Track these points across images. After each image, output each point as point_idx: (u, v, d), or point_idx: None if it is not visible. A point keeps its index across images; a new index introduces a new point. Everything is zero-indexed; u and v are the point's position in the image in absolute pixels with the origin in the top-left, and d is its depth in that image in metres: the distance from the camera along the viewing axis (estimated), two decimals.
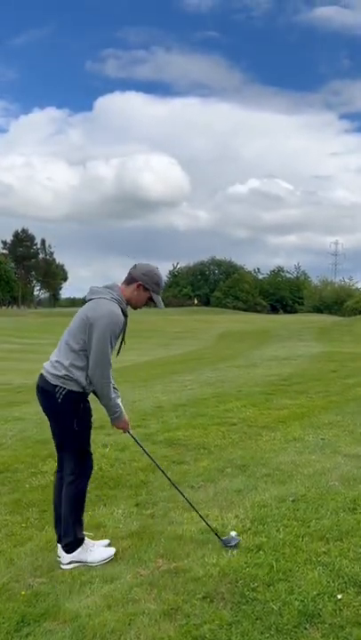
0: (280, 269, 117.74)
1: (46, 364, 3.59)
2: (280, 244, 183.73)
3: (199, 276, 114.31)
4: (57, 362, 3.50)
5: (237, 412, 7.78)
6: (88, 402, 3.61)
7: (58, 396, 3.46)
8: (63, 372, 3.45)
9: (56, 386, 3.46)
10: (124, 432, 3.73)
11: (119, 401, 3.61)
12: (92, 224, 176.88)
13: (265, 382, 10.71)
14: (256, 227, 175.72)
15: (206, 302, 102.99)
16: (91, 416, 3.63)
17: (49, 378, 3.50)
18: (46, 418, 3.69)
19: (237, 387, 10.23)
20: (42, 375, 3.58)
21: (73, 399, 3.47)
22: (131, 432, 3.77)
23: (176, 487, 4.05)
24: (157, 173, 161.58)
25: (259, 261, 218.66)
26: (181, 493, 4.02)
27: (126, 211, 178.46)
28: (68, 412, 3.49)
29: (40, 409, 3.70)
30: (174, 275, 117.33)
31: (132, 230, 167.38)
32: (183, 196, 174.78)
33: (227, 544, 3.53)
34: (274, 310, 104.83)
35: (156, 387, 10.94)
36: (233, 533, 3.66)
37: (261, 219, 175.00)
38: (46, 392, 3.52)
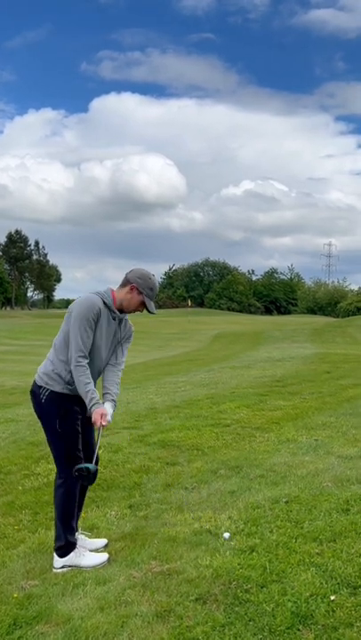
0: (274, 271, 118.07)
1: (40, 365, 3.63)
2: (275, 246, 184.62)
3: (193, 278, 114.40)
4: (47, 359, 3.56)
5: (231, 413, 7.77)
6: (76, 405, 3.51)
7: (42, 397, 3.49)
8: (50, 368, 3.48)
9: (41, 387, 3.50)
10: (96, 427, 3.51)
11: (111, 398, 3.56)
12: (88, 226, 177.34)
13: (259, 383, 10.72)
14: (251, 228, 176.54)
15: (200, 303, 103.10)
16: (77, 420, 3.53)
17: (37, 379, 3.55)
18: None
19: (231, 388, 10.23)
20: (34, 378, 3.62)
21: (55, 400, 3.47)
22: (100, 429, 3.48)
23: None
24: (153, 175, 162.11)
25: (253, 263, 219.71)
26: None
27: (121, 212, 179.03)
28: (51, 413, 3.49)
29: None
30: (169, 276, 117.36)
31: (127, 232, 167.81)
32: (179, 198, 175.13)
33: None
34: (268, 312, 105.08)
35: (149, 388, 10.93)
36: (226, 535, 3.66)
37: (256, 220, 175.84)
38: (33, 393, 3.57)
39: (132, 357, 19.36)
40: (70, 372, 3.42)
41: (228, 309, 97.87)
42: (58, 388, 3.45)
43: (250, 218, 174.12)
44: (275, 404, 8.38)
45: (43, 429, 3.66)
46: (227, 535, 3.66)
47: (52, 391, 3.46)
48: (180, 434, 6.59)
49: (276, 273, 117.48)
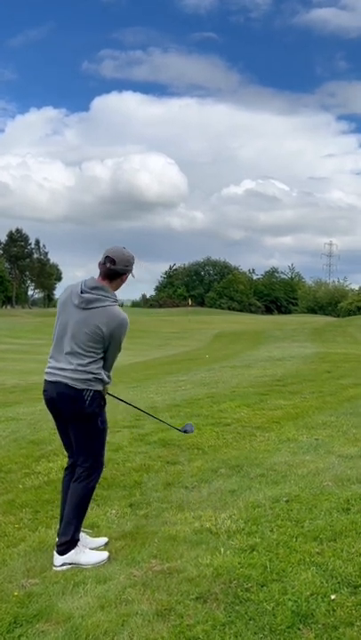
0: (274, 270, 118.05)
1: (62, 371, 3.51)
2: (275, 245, 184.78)
3: (194, 277, 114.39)
4: (78, 369, 3.48)
5: (231, 412, 7.77)
6: None
7: (86, 398, 3.49)
8: (90, 376, 3.49)
9: (83, 390, 3.48)
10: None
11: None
12: (88, 225, 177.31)
13: (259, 383, 10.72)
14: (252, 228, 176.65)
15: (201, 303, 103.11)
16: None
17: (73, 384, 3.48)
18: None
19: (232, 387, 10.23)
20: (59, 383, 3.51)
21: (98, 398, 3.57)
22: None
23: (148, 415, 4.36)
24: (154, 174, 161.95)
25: (254, 262, 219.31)
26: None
27: (123, 211, 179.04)
28: (95, 413, 3.56)
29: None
30: (169, 275, 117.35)
31: (128, 231, 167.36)
32: (180, 197, 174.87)
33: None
34: (268, 311, 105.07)
35: (150, 387, 10.93)
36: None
37: (257, 220, 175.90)
38: (72, 398, 3.50)
39: (132, 356, 19.44)
40: (107, 375, 3.60)
41: (229, 309, 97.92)
42: (99, 387, 3.57)
43: (251, 217, 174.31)
44: (275, 404, 8.38)
45: (73, 432, 3.63)
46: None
47: (94, 391, 3.54)
48: (180, 433, 6.58)
49: (277, 272, 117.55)
